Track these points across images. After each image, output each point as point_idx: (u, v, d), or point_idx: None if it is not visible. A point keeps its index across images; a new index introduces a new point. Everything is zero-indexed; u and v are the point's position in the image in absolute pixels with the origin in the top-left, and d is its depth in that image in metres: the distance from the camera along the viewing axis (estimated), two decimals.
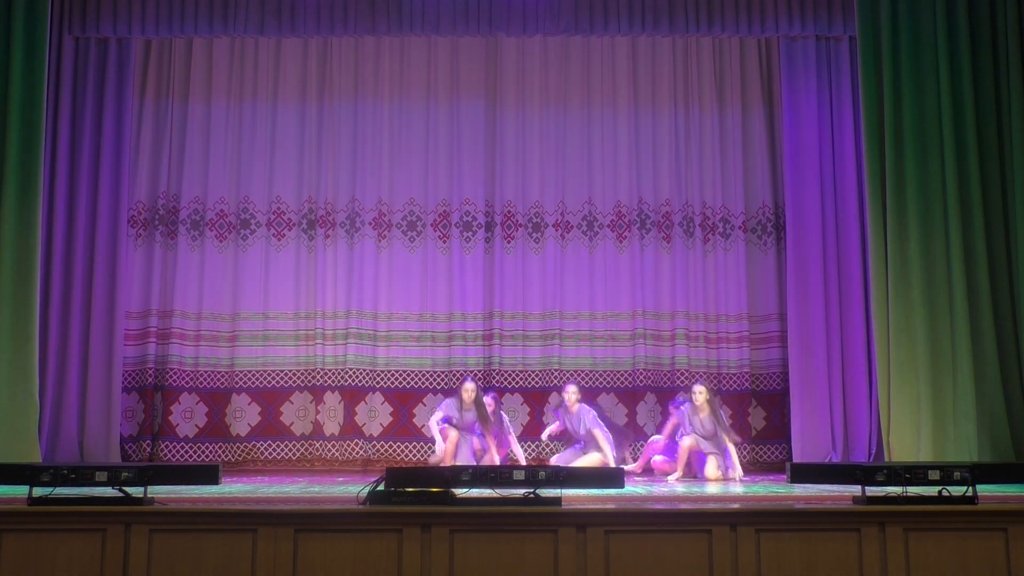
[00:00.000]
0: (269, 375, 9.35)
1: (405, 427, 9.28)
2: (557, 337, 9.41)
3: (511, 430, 8.56)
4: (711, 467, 7.92)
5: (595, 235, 9.63)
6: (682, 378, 9.34)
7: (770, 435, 9.40)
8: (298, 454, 9.14)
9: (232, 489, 6.56)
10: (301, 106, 9.69)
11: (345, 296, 9.43)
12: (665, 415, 8.97)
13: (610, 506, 4.77)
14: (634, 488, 6.88)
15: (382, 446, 9.23)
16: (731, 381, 9.41)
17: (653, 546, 4.42)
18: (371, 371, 9.35)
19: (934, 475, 4.67)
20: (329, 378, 9.32)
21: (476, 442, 8.20)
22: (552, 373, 9.35)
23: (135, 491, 4.63)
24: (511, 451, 8.39)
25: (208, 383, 9.34)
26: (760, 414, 9.42)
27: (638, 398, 9.38)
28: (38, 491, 4.61)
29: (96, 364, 8.80)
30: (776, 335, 9.40)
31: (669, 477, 7.91)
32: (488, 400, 8.34)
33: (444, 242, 9.60)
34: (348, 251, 9.56)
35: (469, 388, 8.22)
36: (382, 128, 9.71)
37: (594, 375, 9.41)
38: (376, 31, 8.84)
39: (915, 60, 8.42)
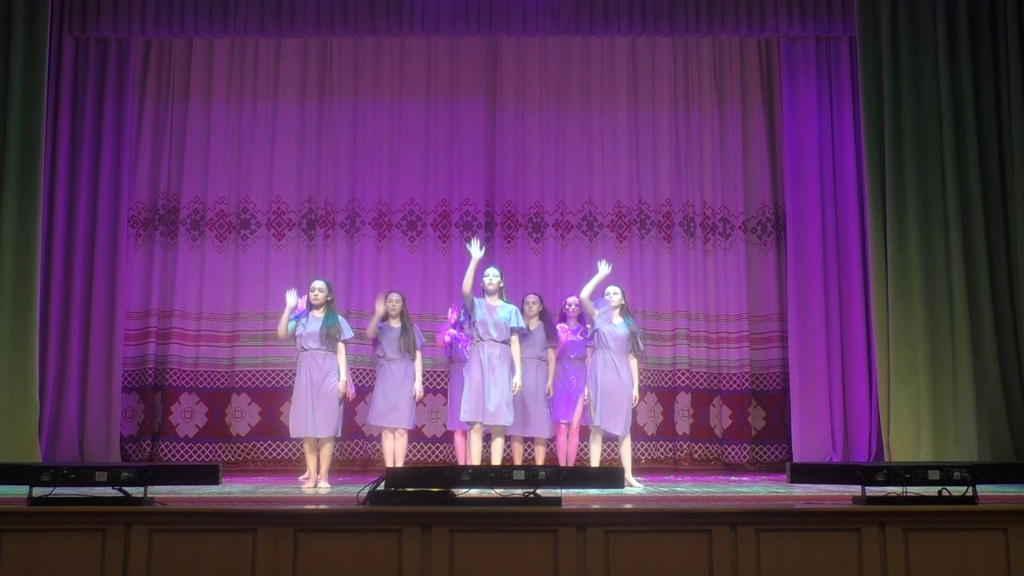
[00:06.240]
0: (269, 375, 9.35)
1: None
2: None
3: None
4: None
5: (595, 235, 9.63)
6: (682, 378, 9.34)
7: (770, 435, 9.39)
8: (298, 454, 9.12)
9: (232, 489, 6.57)
10: (301, 106, 9.69)
11: (345, 296, 9.42)
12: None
13: (610, 506, 4.77)
14: (634, 488, 6.88)
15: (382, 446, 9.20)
16: (731, 381, 9.41)
17: (653, 546, 4.42)
18: (371, 371, 9.31)
19: (934, 475, 4.67)
20: None
21: None
22: None
23: (135, 491, 4.63)
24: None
25: (208, 383, 9.34)
26: (760, 414, 9.42)
27: None
28: (38, 491, 4.61)
29: (96, 364, 8.80)
30: (776, 335, 9.40)
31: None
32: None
33: (444, 242, 9.60)
34: (348, 251, 9.56)
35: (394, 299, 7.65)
36: (382, 128, 9.71)
37: None
38: (376, 31, 8.83)
39: (915, 60, 8.41)
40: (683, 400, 9.34)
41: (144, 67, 9.57)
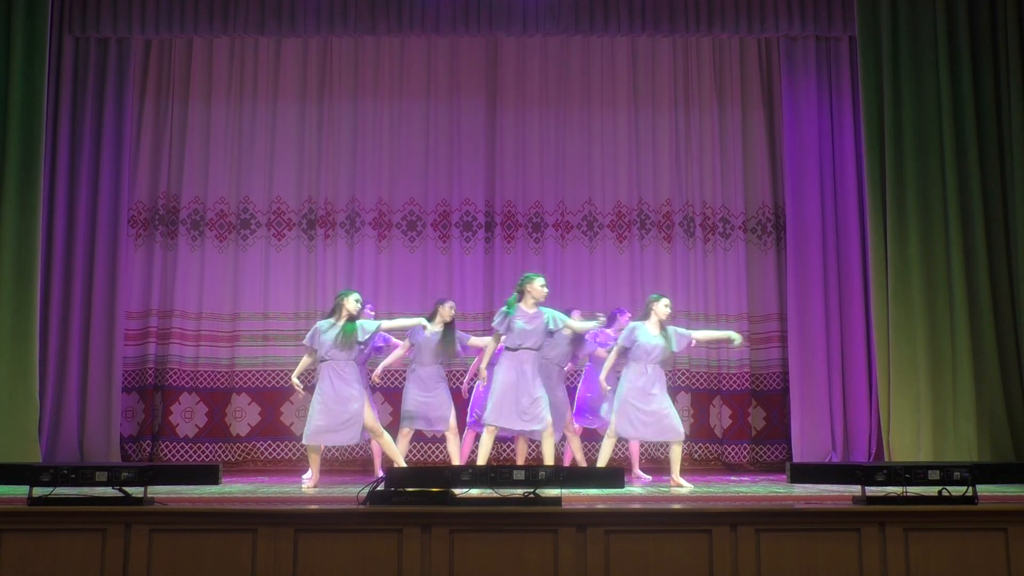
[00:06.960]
0: (269, 375, 9.35)
1: None
2: None
3: None
4: None
5: (595, 235, 9.63)
6: (682, 378, 9.35)
7: (770, 435, 9.40)
8: (298, 454, 9.13)
9: (232, 489, 6.57)
10: (301, 106, 9.69)
11: None
12: None
13: (610, 506, 4.77)
14: (634, 488, 6.88)
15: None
16: (731, 381, 9.41)
17: (653, 546, 4.42)
18: (370, 371, 9.33)
19: (934, 475, 4.67)
20: None
21: None
22: None
23: (135, 491, 4.64)
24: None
25: (208, 383, 9.34)
26: (760, 414, 9.42)
27: None
28: (38, 491, 4.61)
29: (96, 364, 8.79)
30: (776, 335, 9.40)
31: None
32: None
33: (444, 242, 9.60)
34: (348, 251, 9.57)
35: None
36: (382, 128, 9.72)
37: None
38: (376, 31, 8.83)
39: (915, 60, 8.41)
40: (683, 400, 9.34)
41: (144, 67, 9.58)
